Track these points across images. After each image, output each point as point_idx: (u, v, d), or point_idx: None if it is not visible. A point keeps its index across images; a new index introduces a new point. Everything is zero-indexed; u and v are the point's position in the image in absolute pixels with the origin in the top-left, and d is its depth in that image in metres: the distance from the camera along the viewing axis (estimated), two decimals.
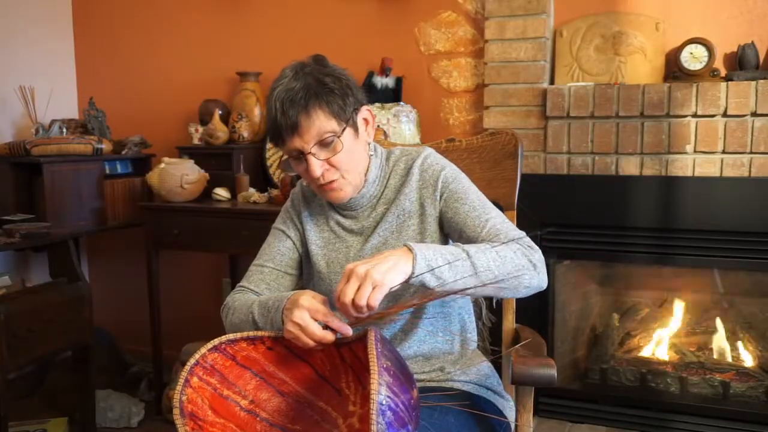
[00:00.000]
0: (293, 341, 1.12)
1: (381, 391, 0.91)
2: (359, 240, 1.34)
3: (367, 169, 1.33)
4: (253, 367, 1.16)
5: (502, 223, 1.25)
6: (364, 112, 1.31)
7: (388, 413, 0.91)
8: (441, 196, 1.30)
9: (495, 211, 1.28)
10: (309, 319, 1.10)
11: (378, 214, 1.34)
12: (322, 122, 1.21)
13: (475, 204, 1.27)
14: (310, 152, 1.22)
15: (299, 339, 1.10)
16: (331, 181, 1.26)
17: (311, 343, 1.10)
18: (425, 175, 1.32)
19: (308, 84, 1.21)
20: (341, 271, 1.30)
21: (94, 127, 2.85)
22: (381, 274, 1.04)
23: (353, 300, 1.04)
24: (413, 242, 1.11)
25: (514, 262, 1.15)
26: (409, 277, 1.08)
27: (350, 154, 1.26)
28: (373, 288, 1.03)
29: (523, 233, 1.23)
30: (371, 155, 1.34)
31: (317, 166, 1.23)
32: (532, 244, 1.21)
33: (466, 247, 1.14)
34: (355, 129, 1.28)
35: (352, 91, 1.26)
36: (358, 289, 1.04)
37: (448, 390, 1.29)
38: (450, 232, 1.30)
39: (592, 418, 2.41)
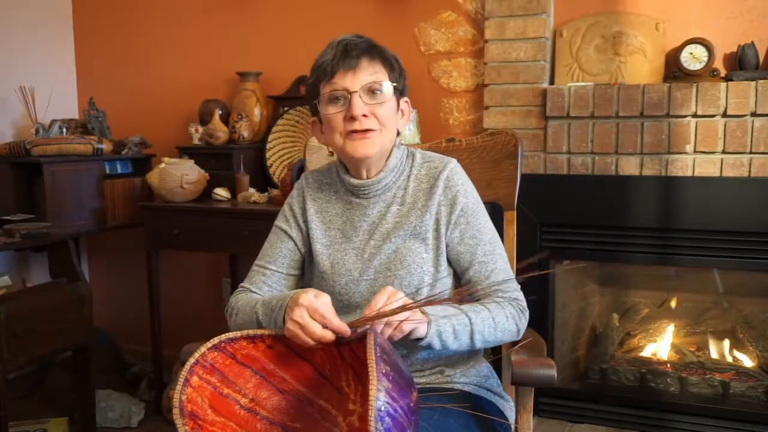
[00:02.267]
0: (293, 339, 1.12)
1: (379, 397, 0.91)
2: (367, 241, 1.31)
3: (390, 156, 1.32)
4: (253, 365, 1.15)
5: (505, 277, 1.29)
6: (404, 103, 1.34)
7: (387, 419, 0.91)
8: (455, 222, 1.30)
9: (502, 260, 1.32)
10: (308, 318, 1.09)
11: (392, 214, 1.32)
12: (378, 70, 1.26)
13: (487, 249, 1.30)
14: (356, 91, 1.23)
15: (299, 337, 1.10)
16: (366, 130, 1.25)
17: (311, 341, 1.10)
18: (448, 192, 1.31)
19: (373, 44, 1.28)
20: (346, 273, 1.29)
21: (94, 127, 2.85)
22: (409, 326, 1.10)
23: (382, 311, 1.07)
24: (432, 311, 1.16)
25: (504, 329, 1.25)
26: (418, 339, 1.14)
27: (390, 115, 1.28)
28: (394, 328, 1.09)
29: (520, 294, 1.31)
30: (396, 146, 1.34)
31: (360, 106, 1.23)
32: (524, 306, 1.30)
33: (471, 313, 1.21)
34: (397, 105, 1.31)
35: (404, 75, 1.32)
36: (388, 315, 1.08)
37: (447, 391, 1.29)
38: (452, 257, 1.32)
39: (592, 418, 2.40)
